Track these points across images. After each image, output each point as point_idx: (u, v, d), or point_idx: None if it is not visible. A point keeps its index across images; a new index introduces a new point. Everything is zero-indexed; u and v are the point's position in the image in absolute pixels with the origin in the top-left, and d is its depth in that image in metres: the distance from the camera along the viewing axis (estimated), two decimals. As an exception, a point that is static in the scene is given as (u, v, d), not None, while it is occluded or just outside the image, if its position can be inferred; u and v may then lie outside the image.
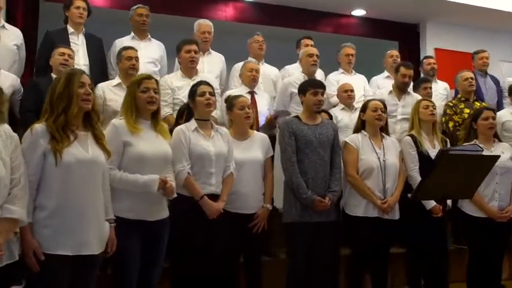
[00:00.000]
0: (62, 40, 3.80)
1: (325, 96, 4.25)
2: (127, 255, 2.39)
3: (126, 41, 4.20)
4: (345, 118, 4.21)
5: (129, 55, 3.69)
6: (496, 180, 3.38)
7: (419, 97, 4.09)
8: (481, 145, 3.37)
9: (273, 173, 3.42)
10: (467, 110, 4.42)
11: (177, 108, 3.58)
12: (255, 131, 3.33)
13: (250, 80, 4.09)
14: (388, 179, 3.29)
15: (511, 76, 5.69)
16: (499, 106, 4.98)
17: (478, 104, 4.49)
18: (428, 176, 2.67)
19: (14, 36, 3.81)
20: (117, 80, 3.72)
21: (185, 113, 3.22)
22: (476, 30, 6.43)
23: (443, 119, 4.55)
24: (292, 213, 3.10)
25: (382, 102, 3.46)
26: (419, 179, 3.28)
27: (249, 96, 3.96)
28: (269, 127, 4.04)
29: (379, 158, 3.29)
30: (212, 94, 2.94)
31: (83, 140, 2.21)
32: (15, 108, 3.46)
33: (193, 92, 2.96)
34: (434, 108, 3.57)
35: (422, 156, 3.39)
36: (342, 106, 4.33)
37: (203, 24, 4.49)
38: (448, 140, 3.67)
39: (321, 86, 3.25)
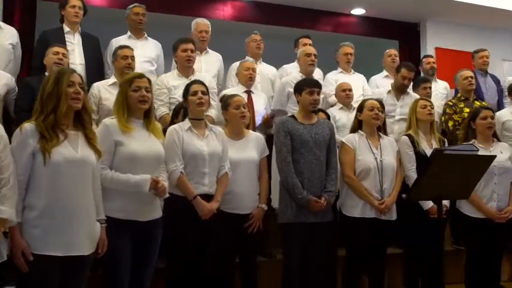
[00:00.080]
0: (58, 39, 3.79)
1: (323, 95, 4.28)
2: (118, 256, 2.37)
3: (122, 40, 4.18)
4: (343, 118, 4.18)
5: (125, 54, 3.67)
6: (494, 181, 3.35)
7: (418, 97, 4.06)
8: (480, 145, 3.37)
9: (271, 173, 3.41)
10: (467, 109, 4.38)
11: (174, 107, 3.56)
12: (251, 131, 3.30)
13: (247, 79, 4.07)
14: (385, 179, 3.26)
15: (512, 75, 5.66)
16: (500, 105, 4.94)
17: (478, 103, 4.45)
18: (422, 176, 2.64)
19: (9, 35, 3.80)
20: (112, 79, 3.71)
21: (181, 112, 3.20)
22: (477, 29, 6.39)
23: (443, 118, 4.53)
24: (288, 214, 3.08)
25: (379, 101, 3.43)
26: (416, 179, 3.25)
27: (245, 96, 3.96)
28: (266, 126, 4.01)
29: (376, 159, 3.26)
30: (205, 93, 2.91)
31: (73, 140, 2.20)
32: (10, 108, 3.45)
33: (186, 91, 2.94)
34: (432, 108, 3.53)
35: (420, 156, 3.35)
36: (340, 106, 4.30)
37: (200, 23, 4.46)
38: (446, 139, 3.64)
39: (316, 85, 3.22)
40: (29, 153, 2.09)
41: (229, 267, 3.11)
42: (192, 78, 3.69)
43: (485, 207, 3.33)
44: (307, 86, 3.18)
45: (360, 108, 3.38)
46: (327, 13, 6.10)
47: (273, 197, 3.68)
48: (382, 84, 4.87)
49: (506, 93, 4.73)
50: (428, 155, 3.31)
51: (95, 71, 3.98)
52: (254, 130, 3.63)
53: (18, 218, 2.05)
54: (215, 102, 3.83)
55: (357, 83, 4.64)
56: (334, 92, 4.43)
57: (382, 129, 3.46)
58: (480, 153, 3.12)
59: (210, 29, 4.46)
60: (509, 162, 3.43)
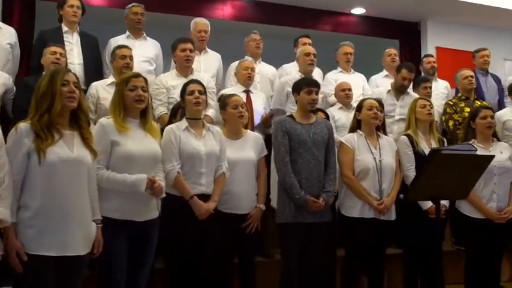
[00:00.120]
0: (56, 39, 3.79)
1: (322, 95, 4.26)
2: (113, 256, 2.36)
3: (121, 39, 4.17)
4: (343, 117, 4.16)
5: (123, 54, 3.67)
6: (494, 181, 3.33)
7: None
8: (479, 145, 3.35)
9: (270, 173, 3.40)
10: (467, 109, 4.37)
11: (172, 107, 3.55)
12: (249, 131, 3.29)
13: (246, 78, 4.06)
14: (385, 179, 3.24)
15: (514, 75, 5.63)
16: (500, 105, 4.92)
17: (479, 103, 4.44)
18: (419, 177, 2.62)
19: (7, 34, 3.80)
20: (111, 78, 3.71)
21: (179, 112, 3.19)
22: (478, 28, 6.35)
23: (444, 117, 4.51)
24: (286, 214, 3.06)
25: (378, 101, 3.41)
26: (415, 179, 3.22)
27: (244, 95, 3.95)
28: (265, 126, 4.00)
29: (375, 158, 3.24)
30: (202, 93, 2.90)
31: (68, 139, 2.18)
32: (8, 108, 3.45)
33: (183, 91, 2.93)
34: (432, 108, 3.51)
35: (419, 156, 3.33)
36: (340, 105, 4.28)
37: (200, 22, 4.46)
38: (445, 139, 3.62)
39: (315, 84, 3.20)
40: (24, 152, 2.08)
41: (228, 268, 3.10)
42: (191, 78, 3.68)
43: (485, 208, 3.31)
44: (305, 86, 3.16)
45: (359, 108, 3.36)
46: (327, 12, 6.08)
47: (273, 197, 3.66)
48: (382, 83, 4.85)
49: (507, 93, 4.70)
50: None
51: (94, 70, 3.98)
52: (253, 130, 3.62)
53: (13, 218, 2.04)
54: (214, 102, 3.82)
55: (356, 82, 4.62)
56: (333, 92, 4.41)
57: (382, 129, 3.44)
58: (480, 153, 3.09)
59: (209, 28, 4.45)
60: (509, 162, 3.41)
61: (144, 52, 4.19)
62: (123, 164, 2.43)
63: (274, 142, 3.14)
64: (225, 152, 2.96)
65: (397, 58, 5.06)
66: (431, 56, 5.32)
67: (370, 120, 3.30)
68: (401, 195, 3.06)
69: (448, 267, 3.43)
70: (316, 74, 4.54)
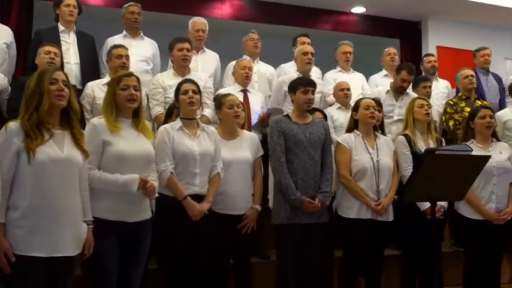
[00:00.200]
0: (52, 38, 3.77)
1: (321, 94, 4.23)
2: (104, 256, 2.33)
3: (118, 39, 4.16)
4: (341, 117, 4.13)
5: (119, 53, 3.65)
6: (493, 182, 3.29)
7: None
8: (478, 145, 3.32)
9: (268, 173, 3.37)
10: (468, 109, 4.32)
11: (169, 107, 3.52)
12: (245, 131, 3.26)
13: (243, 78, 4.03)
14: (382, 180, 3.21)
15: (515, 74, 5.58)
16: (501, 105, 4.88)
17: (479, 103, 4.40)
18: (413, 177, 2.58)
19: (4, 34, 3.79)
20: (107, 78, 3.68)
21: (174, 112, 3.17)
22: (479, 27, 6.31)
23: (444, 117, 4.48)
24: (281, 215, 3.03)
25: (376, 100, 3.37)
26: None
27: (242, 95, 3.93)
28: (262, 125, 3.97)
29: (372, 159, 3.21)
30: (196, 92, 2.87)
31: (59, 139, 2.16)
32: (3, 108, 3.43)
33: (177, 91, 2.91)
34: (430, 107, 3.47)
35: (416, 156, 3.28)
36: (338, 105, 4.25)
37: (197, 22, 4.43)
38: (443, 139, 3.58)
39: (311, 84, 3.17)
40: (13, 152, 2.06)
41: (223, 269, 3.07)
42: (188, 77, 3.66)
43: (483, 209, 3.27)
44: (301, 85, 3.13)
45: (356, 108, 3.33)
46: (327, 11, 6.05)
47: (271, 198, 3.63)
48: (381, 83, 4.81)
49: (508, 92, 4.66)
50: (425, 155, 3.25)
51: (90, 70, 3.97)
52: (250, 130, 3.60)
53: (1, 218, 2.02)
54: (211, 101, 3.79)
55: (356, 82, 4.59)
56: (332, 91, 4.38)
57: (380, 129, 3.40)
58: (478, 153, 3.06)
59: (207, 27, 4.43)
60: (509, 163, 3.36)
61: (141, 51, 4.17)
62: (115, 164, 2.41)
63: (270, 142, 3.11)
64: (219, 152, 2.94)
65: (397, 57, 5.02)
66: (432, 55, 5.28)
67: (367, 120, 3.27)
68: (396, 196, 3.02)
69: (447, 268, 3.40)
70: (316, 73, 4.51)
